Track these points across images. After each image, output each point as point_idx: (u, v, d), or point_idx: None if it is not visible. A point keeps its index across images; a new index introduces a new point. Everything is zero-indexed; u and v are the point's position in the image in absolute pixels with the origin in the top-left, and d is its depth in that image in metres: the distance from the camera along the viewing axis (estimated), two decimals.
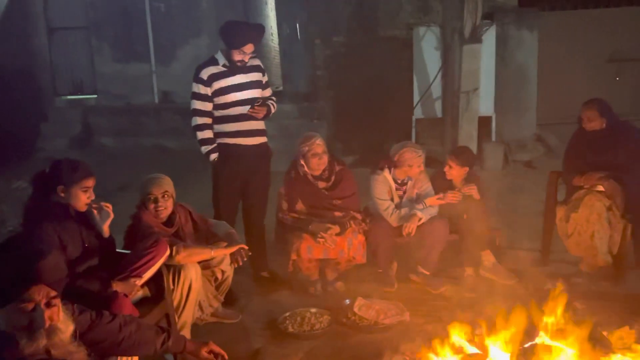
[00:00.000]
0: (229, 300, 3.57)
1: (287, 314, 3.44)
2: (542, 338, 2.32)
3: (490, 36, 7.19)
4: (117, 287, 2.59)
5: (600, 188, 3.65)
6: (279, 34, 9.80)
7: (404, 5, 7.89)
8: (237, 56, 3.68)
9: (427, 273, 3.83)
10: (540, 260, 4.12)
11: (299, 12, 8.63)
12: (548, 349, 2.24)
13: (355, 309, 3.39)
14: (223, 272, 3.33)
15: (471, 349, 2.37)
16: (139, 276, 2.70)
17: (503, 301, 2.98)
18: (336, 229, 3.66)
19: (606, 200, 3.62)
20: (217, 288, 3.38)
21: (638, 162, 3.63)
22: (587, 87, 7.84)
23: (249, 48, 3.67)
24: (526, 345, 2.30)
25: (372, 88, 7.92)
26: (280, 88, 9.50)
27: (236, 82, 3.73)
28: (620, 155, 3.66)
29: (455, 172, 3.95)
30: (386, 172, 3.89)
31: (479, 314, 2.91)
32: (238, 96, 3.74)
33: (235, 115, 3.76)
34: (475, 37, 6.86)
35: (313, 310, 3.47)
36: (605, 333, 2.43)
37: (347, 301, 3.53)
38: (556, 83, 8.01)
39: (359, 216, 3.83)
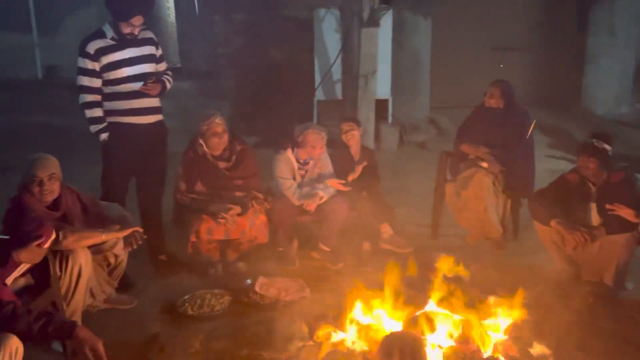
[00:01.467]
0: (124, 285, 3.43)
1: (187, 296, 3.37)
2: (430, 306, 2.48)
3: (387, 21, 7.39)
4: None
5: (484, 164, 3.94)
6: (176, 9, 9.40)
7: None
8: (125, 29, 3.48)
9: (328, 249, 3.93)
10: (430, 235, 4.38)
11: None
12: (436, 316, 2.40)
13: (257, 288, 3.41)
14: (116, 256, 3.19)
15: (367, 320, 2.48)
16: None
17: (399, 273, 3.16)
18: (237, 209, 3.63)
19: (492, 177, 3.93)
20: (110, 273, 3.24)
21: (520, 143, 3.98)
22: (475, 73, 8.36)
23: (138, 20, 3.48)
24: (417, 314, 2.45)
25: (275, 68, 7.87)
26: (179, 65, 9.15)
27: (127, 57, 3.53)
28: (507, 135, 3.98)
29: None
30: (289, 152, 3.92)
31: (375, 286, 3.06)
32: (129, 71, 3.55)
33: (126, 92, 3.56)
34: (374, 21, 7.04)
35: (214, 291, 3.43)
36: (491, 299, 2.63)
37: (249, 281, 3.53)
38: (447, 68, 8.45)
39: (260, 196, 3.82)
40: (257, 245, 3.82)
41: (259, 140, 7.42)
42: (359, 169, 4.06)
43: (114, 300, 3.31)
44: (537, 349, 2.52)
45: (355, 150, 4.20)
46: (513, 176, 3.95)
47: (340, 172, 4.04)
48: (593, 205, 3.37)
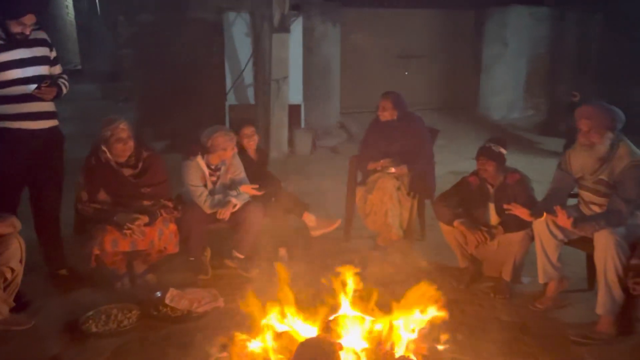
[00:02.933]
0: (18, 303, 3.16)
1: (90, 312, 3.18)
2: (344, 309, 2.51)
3: (297, 27, 7.47)
4: None
5: (392, 170, 4.09)
6: (75, 8, 8.86)
7: None
8: (15, 28, 3.22)
9: (242, 257, 3.87)
10: (343, 237, 4.46)
11: None
12: (349, 319, 2.43)
13: (167, 301, 3.28)
14: (12, 270, 2.93)
15: (282, 327, 2.47)
16: None
17: (310, 279, 3.18)
18: (144, 218, 3.47)
19: (396, 182, 4.08)
20: (4, 289, 2.97)
21: (421, 149, 4.17)
22: (382, 79, 8.67)
23: (29, 19, 3.23)
24: (331, 318, 2.47)
25: (183, 71, 7.66)
26: (79, 67, 8.63)
27: (17, 57, 3.27)
28: (406, 142, 4.14)
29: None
30: (199, 158, 3.82)
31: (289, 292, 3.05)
32: (19, 73, 3.28)
33: (17, 96, 3.29)
34: (284, 27, 7.08)
35: (121, 306, 3.26)
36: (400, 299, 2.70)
37: (158, 293, 3.39)
38: (356, 75, 8.69)
39: (169, 204, 3.69)
40: (166, 255, 3.68)
41: (168, 145, 7.18)
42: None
43: (8, 321, 3.04)
44: (446, 344, 2.63)
45: (252, 153, 4.20)
46: (417, 179, 4.12)
47: (249, 176, 4.01)
48: (491, 206, 3.59)
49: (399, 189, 4.05)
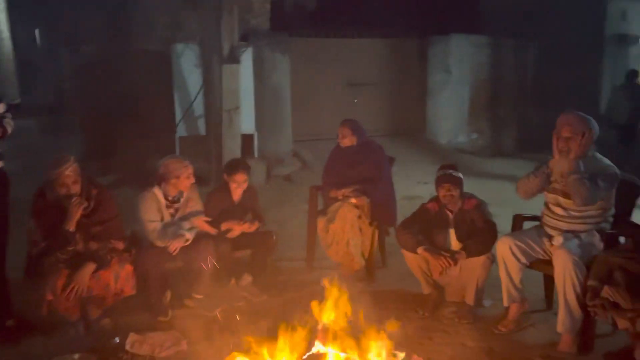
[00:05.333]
0: None
1: None
2: (317, 347, 2.46)
3: (247, 57, 7.47)
4: None
5: (353, 200, 4.10)
6: (13, 39, 8.52)
7: (160, 19, 7.67)
8: None
9: (200, 297, 3.75)
10: (305, 269, 4.42)
11: (38, 16, 7.65)
12: (324, 356, 2.39)
13: (127, 347, 3.12)
14: None
15: None
16: None
17: (277, 315, 3.12)
18: (90, 268, 3.28)
19: (357, 211, 4.10)
20: None
21: (379, 176, 4.22)
22: (332, 107, 8.79)
23: None
24: (305, 357, 2.42)
25: (130, 103, 7.48)
26: (18, 100, 8.25)
27: None
28: (367, 169, 4.19)
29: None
30: (156, 189, 3.70)
31: (258, 330, 2.98)
32: None
33: None
34: (234, 58, 7.07)
35: (75, 356, 3.06)
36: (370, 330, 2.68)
37: (117, 339, 3.21)
38: (307, 103, 8.76)
39: (120, 245, 3.52)
40: (123, 298, 3.51)
41: (116, 180, 6.94)
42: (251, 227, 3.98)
43: None
44: None
45: (237, 195, 4.09)
46: (377, 207, 4.15)
47: (216, 213, 3.91)
48: (451, 231, 3.66)
49: (360, 217, 4.06)
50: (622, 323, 2.89)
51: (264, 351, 2.43)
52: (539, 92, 10.48)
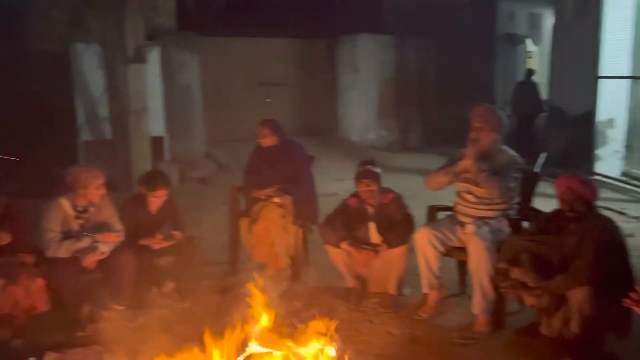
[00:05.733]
0: None
1: None
2: (252, 347, 2.46)
3: (154, 57, 7.24)
4: None
5: (276, 200, 4.12)
6: None
7: (57, 18, 7.20)
8: None
9: (121, 308, 3.59)
10: (230, 272, 4.37)
11: None
12: (261, 356, 2.39)
13: None
14: None
15: None
16: None
17: (207, 319, 3.07)
18: None
19: (280, 210, 4.11)
20: None
21: (301, 175, 4.27)
22: (245, 107, 8.75)
23: None
24: (240, 358, 2.41)
25: (27, 108, 6.94)
26: None
27: None
28: (289, 168, 4.22)
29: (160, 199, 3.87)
30: (62, 199, 3.49)
31: (181, 337, 2.91)
32: None
33: None
34: (140, 57, 6.81)
35: None
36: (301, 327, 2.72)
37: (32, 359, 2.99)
38: (220, 103, 8.65)
39: (29, 259, 3.29)
40: (36, 315, 3.27)
41: (17, 189, 6.41)
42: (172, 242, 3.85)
43: None
44: None
45: (155, 207, 3.93)
46: (300, 206, 4.20)
47: (132, 225, 3.76)
48: (372, 225, 3.79)
49: (283, 216, 4.09)
50: (529, 300, 3.16)
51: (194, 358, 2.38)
52: (440, 89, 11.09)
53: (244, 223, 4.19)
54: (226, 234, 4.51)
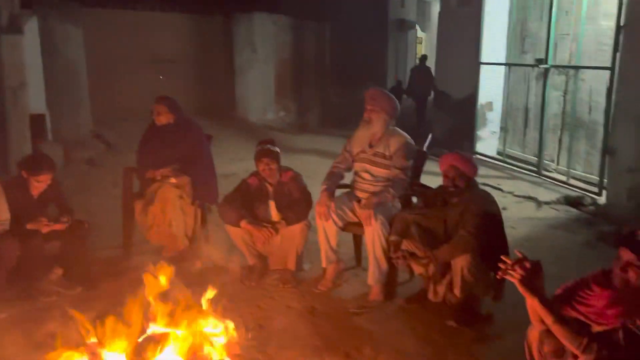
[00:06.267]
0: None
1: None
2: (153, 328, 2.42)
3: (32, 28, 6.63)
4: None
5: (173, 180, 4.01)
6: None
7: None
8: None
9: None
10: (123, 255, 4.21)
11: None
12: (162, 337, 2.36)
13: None
14: None
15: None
16: None
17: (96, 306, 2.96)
18: None
19: (177, 191, 4.02)
20: None
21: (199, 154, 4.19)
22: (136, 85, 8.33)
23: None
24: (140, 340, 2.36)
25: None
26: None
27: None
28: (186, 148, 4.12)
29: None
30: None
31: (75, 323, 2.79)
32: None
33: None
34: (16, 28, 6.21)
35: None
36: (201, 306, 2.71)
37: None
38: (107, 80, 8.16)
39: None
40: None
41: None
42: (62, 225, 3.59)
43: None
44: (252, 340, 2.76)
45: (38, 190, 3.64)
46: (199, 186, 4.13)
47: (12, 210, 3.47)
48: (272, 203, 3.84)
49: (181, 197, 4.00)
50: (418, 269, 3.41)
51: (94, 342, 2.30)
52: (336, 71, 11.34)
53: (138, 205, 4.04)
54: (118, 216, 4.32)
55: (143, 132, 4.25)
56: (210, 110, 9.60)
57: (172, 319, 2.49)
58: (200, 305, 2.81)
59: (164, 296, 2.74)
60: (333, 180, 3.79)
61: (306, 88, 10.77)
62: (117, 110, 8.11)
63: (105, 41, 8.15)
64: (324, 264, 3.76)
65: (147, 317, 2.49)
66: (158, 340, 2.35)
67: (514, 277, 2.10)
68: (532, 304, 2.10)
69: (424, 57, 10.80)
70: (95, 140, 7.75)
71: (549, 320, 2.04)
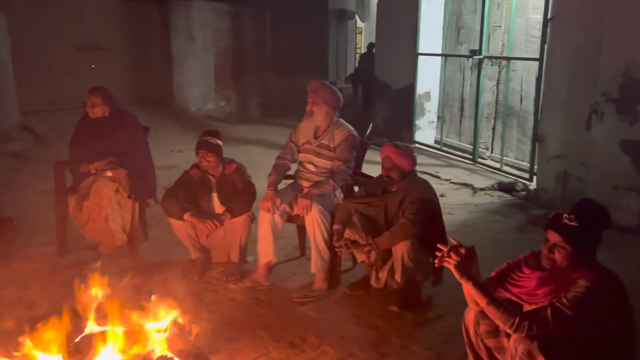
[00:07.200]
0: None
1: None
2: (91, 327, 2.34)
3: None
4: None
5: (109, 174, 3.87)
6: None
7: None
8: None
9: None
10: (58, 253, 4.03)
11: None
12: (100, 335, 2.29)
13: None
14: None
15: None
16: None
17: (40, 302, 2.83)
18: None
19: (113, 184, 3.89)
20: None
21: (136, 146, 4.06)
22: (67, 73, 7.94)
23: None
24: (77, 340, 2.28)
25: None
26: None
27: None
28: (121, 140, 3.98)
29: None
30: None
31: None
32: None
33: None
34: None
35: None
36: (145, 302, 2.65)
37: None
38: (36, 68, 7.72)
39: None
40: None
41: None
42: None
43: None
44: (196, 335, 2.72)
45: None
46: (136, 179, 4.01)
47: None
48: (215, 195, 3.79)
49: (117, 191, 3.87)
50: (360, 257, 3.47)
51: (28, 344, 2.20)
52: (277, 60, 11.26)
53: (71, 200, 3.87)
54: (51, 212, 4.13)
55: (76, 124, 4.06)
56: (147, 100, 9.30)
57: (111, 317, 2.42)
58: (141, 302, 2.76)
59: (102, 294, 2.67)
60: (279, 172, 3.78)
61: (247, 77, 10.64)
62: (46, 100, 7.70)
63: (32, 26, 7.69)
64: (260, 260, 3.71)
65: (85, 316, 2.41)
66: (96, 339, 2.28)
67: (449, 263, 2.19)
68: (467, 288, 2.19)
69: (371, 45, 10.97)
70: (24, 133, 7.34)
71: (482, 302, 2.13)
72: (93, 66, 8.62)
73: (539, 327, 2.01)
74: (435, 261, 2.25)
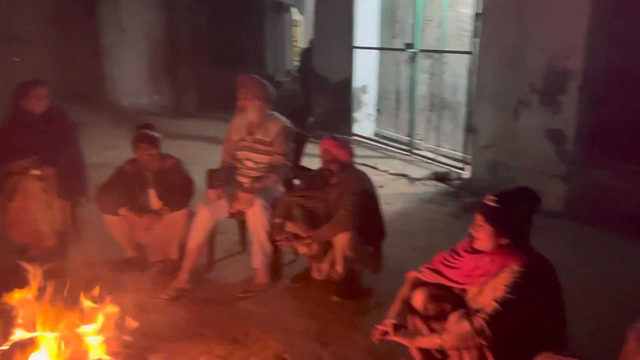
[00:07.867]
0: None
1: None
2: (19, 333, 2.23)
3: None
4: None
5: (36, 172, 3.67)
6: None
7: None
8: None
9: None
10: None
11: None
12: (30, 342, 2.18)
13: None
14: None
15: None
16: None
17: None
18: None
19: (41, 184, 3.70)
20: None
21: (65, 144, 3.87)
22: None
23: None
24: (5, 347, 2.16)
25: None
26: None
27: None
28: (50, 136, 3.78)
29: None
30: None
31: None
32: None
33: None
34: None
35: None
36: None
37: None
38: None
39: None
40: None
41: None
42: None
43: None
44: (133, 337, 2.65)
45: None
46: (66, 178, 3.83)
47: None
48: (151, 191, 3.68)
49: (45, 190, 3.68)
50: (301, 249, 3.49)
51: None
52: (213, 53, 11.05)
53: None
54: None
55: (1, 121, 3.82)
56: (76, 95, 8.87)
57: (41, 322, 2.31)
58: (74, 305, 2.65)
59: (31, 298, 2.55)
60: (226, 175, 3.73)
61: (182, 70, 10.37)
62: None
63: None
64: (186, 260, 3.60)
65: (13, 323, 2.29)
66: (25, 346, 2.17)
67: (392, 336, 2.29)
68: (417, 343, 2.28)
69: None
70: None
71: (436, 341, 2.18)
72: (16, 60, 8.12)
73: (493, 320, 2.06)
74: (375, 337, 2.34)
